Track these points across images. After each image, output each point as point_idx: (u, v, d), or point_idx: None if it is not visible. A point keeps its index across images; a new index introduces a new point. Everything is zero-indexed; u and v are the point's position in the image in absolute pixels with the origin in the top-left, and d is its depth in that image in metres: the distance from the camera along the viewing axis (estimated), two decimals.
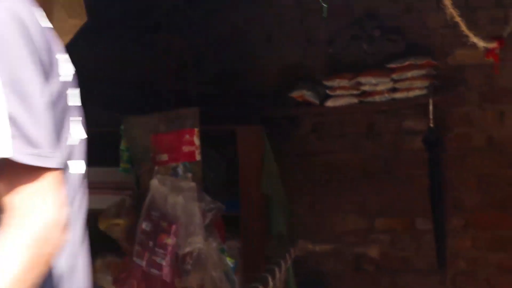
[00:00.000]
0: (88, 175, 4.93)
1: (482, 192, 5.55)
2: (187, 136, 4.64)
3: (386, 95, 5.38)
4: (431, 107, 5.46)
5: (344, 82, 5.43)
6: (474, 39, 4.23)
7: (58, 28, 2.55)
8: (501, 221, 5.52)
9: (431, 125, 5.49)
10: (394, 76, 5.34)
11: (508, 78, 5.45)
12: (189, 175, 4.60)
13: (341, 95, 5.46)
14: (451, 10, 3.82)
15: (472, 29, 4.14)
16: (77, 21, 3.30)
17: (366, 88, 5.40)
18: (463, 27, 4.10)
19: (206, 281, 4.48)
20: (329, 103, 5.46)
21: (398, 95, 5.38)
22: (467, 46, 4.52)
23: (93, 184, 4.96)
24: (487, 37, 4.62)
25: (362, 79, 5.37)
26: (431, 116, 5.47)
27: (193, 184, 4.52)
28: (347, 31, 5.65)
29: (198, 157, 4.65)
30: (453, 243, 5.54)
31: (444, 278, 5.60)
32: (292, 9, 5.83)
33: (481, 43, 4.38)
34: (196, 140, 4.65)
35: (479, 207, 5.55)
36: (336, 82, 5.44)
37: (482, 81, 5.51)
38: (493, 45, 4.87)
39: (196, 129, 4.67)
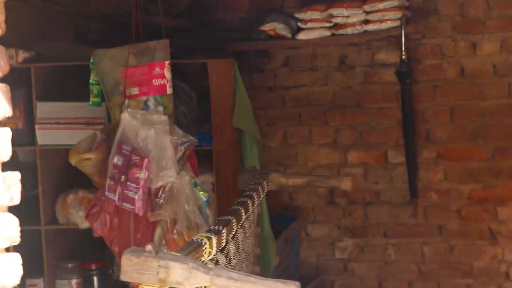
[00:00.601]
0: (59, 110, 4.67)
1: (453, 124, 5.64)
2: (157, 69, 4.53)
3: (358, 27, 5.34)
4: (403, 39, 5.48)
5: (316, 14, 5.39)
6: None
7: None
8: (472, 153, 5.62)
9: (403, 57, 5.51)
10: (366, 7, 5.31)
11: (481, 8, 5.46)
12: (161, 108, 4.52)
13: (313, 28, 5.43)
14: None
15: None
16: None
17: (338, 20, 5.35)
18: None
19: (179, 215, 4.42)
20: (301, 36, 5.44)
21: (370, 27, 5.35)
22: None
23: (63, 119, 4.88)
24: None
25: (334, 11, 5.31)
26: (403, 48, 5.50)
27: (164, 117, 4.46)
28: None
29: (169, 90, 4.56)
30: (425, 175, 5.64)
31: (416, 210, 5.70)
32: None
33: None
34: (167, 73, 4.56)
35: (451, 139, 5.63)
36: (308, 15, 5.42)
37: (454, 11, 5.50)
38: None
39: (166, 62, 4.58)
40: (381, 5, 5.34)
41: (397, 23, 5.36)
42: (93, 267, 5.24)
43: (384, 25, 5.36)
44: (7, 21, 2.19)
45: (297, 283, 2.96)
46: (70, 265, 5.21)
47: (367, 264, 5.90)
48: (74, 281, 5.19)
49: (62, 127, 5.10)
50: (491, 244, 5.65)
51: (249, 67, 5.81)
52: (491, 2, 5.64)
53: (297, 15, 5.47)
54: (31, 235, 5.01)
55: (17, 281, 2.19)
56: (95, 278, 5.29)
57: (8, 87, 2.25)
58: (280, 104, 5.92)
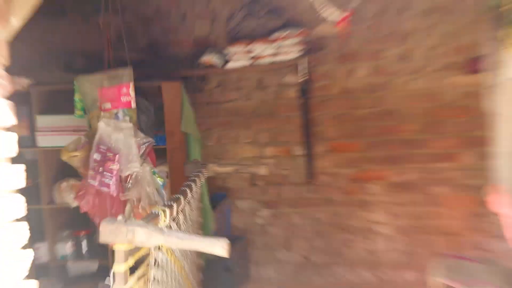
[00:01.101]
0: (53, 121, 4.80)
1: (338, 127, 5.73)
2: (124, 89, 4.67)
3: (270, 58, 5.43)
4: (303, 66, 5.59)
5: (239, 49, 5.47)
6: (329, 13, 4.46)
7: (17, 8, 2.60)
8: (350, 147, 5.75)
9: (304, 78, 5.63)
10: (276, 44, 5.39)
11: (355, 43, 5.57)
12: (127, 118, 4.66)
13: (237, 59, 5.52)
14: None
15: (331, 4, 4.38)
16: (31, 1, 3.08)
17: (255, 53, 5.43)
18: (322, 4, 4.29)
19: (142, 195, 4.57)
20: (229, 65, 5.52)
21: (279, 58, 5.42)
22: (327, 22, 4.85)
23: (57, 127, 5.19)
24: (340, 9, 4.74)
25: (253, 47, 5.41)
26: (303, 72, 5.62)
27: (130, 124, 4.57)
28: (241, 11, 5.66)
29: (133, 105, 4.67)
30: (319, 163, 5.77)
31: (312, 188, 5.84)
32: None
33: (335, 15, 4.57)
34: (131, 92, 4.66)
35: (336, 137, 5.74)
36: (233, 49, 5.47)
37: (337, 47, 5.61)
38: (344, 15, 4.79)
39: (130, 83, 4.68)
40: (286, 43, 5.41)
41: (298, 54, 5.46)
42: (82, 233, 5.37)
43: (289, 56, 5.44)
44: (11, 56, 2.38)
45: (227, 240, 2.98)
46: (65, 233, 5.36)
47: (278, 227, 6.01)
48: (68, 244, 5.35)
49: (56, 133, 5.20)
50: (363, 210, 5.81)
51: (192, 88, 5.83)
52: (361, 40, 5.64)
53: (226, 50, 5.52)
54: (36, 213, 5.22)
55: (25, 241, 2.36)
56: (83, 242, 5.40)
57: (13, 104, 2.36)
58: (215, 114, 5.97)
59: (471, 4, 5.31)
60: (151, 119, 5.19)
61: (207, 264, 5.13)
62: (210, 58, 5.58)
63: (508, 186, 3.55)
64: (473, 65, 5.28)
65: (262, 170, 5.36)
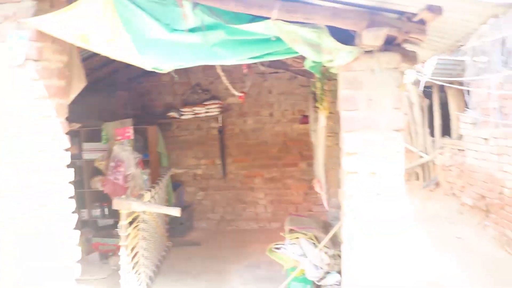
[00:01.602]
0: (91, 146, 5.08)
1: (238, 149, 6.41)
2: (127, 130, 5.04)
3: (204, 114, 6.19)
4: (220, 118, 6.32)
5: (188, 109, 6.19)
6: (233, 91, 4.61)
7: (73, 88, 2.94)
8: (244, 160, 6.42)
9: (220, 124, 6.33)
10: (206, 107, 6.19)
11: (247, 107, 6.25)
12: (129, 144, 5.04)
13: (187, 114, 6.23)
14: (224, 80, 4.27)
15: (233, 87, 4.46)
16: (81, 84, 3.05)
17: (196, 111, 6.18)
18: (229, 87, 4.42)
19: (136, 185, 4.96)
20: (182, 117, 6.20)
21: (208, 114, 6.20)
22: (233, 96, 5.34)
23: (92, 149, 5.18)
24: (238, 90, 5.04)
25: (195, 109, 6.17)
26: (220, 121, 6.34)
27: (130, 147, 5.01)
28: (189, 90, 6.35)
29: (132, 137, 5.03)
30: (228, 168, 6.44)
31: (226, 181, 6.47)
32: (168, 82, 6.31)
33: (236, 93, 4.78)
34: (131, 131, 5.03)
35: (237, 155, 6.42)
36: (185, 109, 6.18)
37: (238, 108, 6.32)
38: (241, 94, 5.20)
39: (131, 127, 5.03)
40: (212, 106, 6.17)
41: (218, 112, 6.19)
42: (105, 204, 5.42)
43: (213, 113, 6.18)
44: (69, 111, 2.74)
45: (179, 208, 3.72)
46: (97, 204, 5.48)
47: (208, 201, 6.52)
48: (98, 210, 5.49)
49: (92, 152, 5.30)
50: (252, 191, 6.44)
51: (164, 129, 6.25)
52: (250, 106, 6.11)
53: (181, 109, 6.19)
54: (80, 194, 5.18)
55: (73, 209, 2.78)
56: (105, 209, 5.47)
57: (70, 136, 2.80)
58: (175, 142, 6.39)
59: (303, 89, 6.07)
60: (141, 144, 5.48)
61: (170, 220, 5.45)
62: (173, 114, 6.25)
63: (321, 179, 4.10)
64: (304, 119, 5.96)
65: (199, 171, 6.40)
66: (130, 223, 3.72)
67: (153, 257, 4.58)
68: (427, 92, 8.37)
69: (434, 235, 6.01)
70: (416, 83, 8.42)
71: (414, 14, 2.30)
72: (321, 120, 3.76)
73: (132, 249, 3.74)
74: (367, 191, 2.62)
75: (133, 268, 3.75)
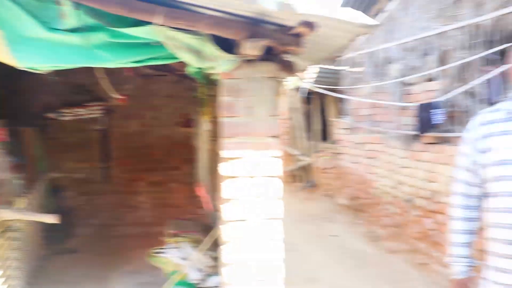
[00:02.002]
0: None
1: (122, 152, 6.30)
2: (1, 131, 4.47)
3: (85, 115, 6.09)
4: (104, 120, 6.10)
5: (68, 110, 6.06)
6: (113, 94, 3.98)
7: None
8: (129, 162, 6.33)
9: (103, 126, 6.12)
10: (88, 109, 6.09)
11: (131, 109, 6.00)
12: (2, 147, 4.40)
13: (66, 115, 6.11)
14: (104, 83, 3.60)
15: (117, 89, 3.74)
16: None
17: (77, 113, 6.07)
18: (108, 89, 3.75)
19: (7, 191, 4.15)
20: (62, 119, 6.08)
21: (91, 115, 6.10)
22: (115, 98, 4.53)
23: None
24: (122, 92, 4.54)
25: (76, 110, 6.06)
26: (103, 123, 6.09)
27: (3, 150, 4.36)
28: (70, 90, 6.10)
29: (6, 139, 4.57)
30: (112, 171, 6.29)
31: (108, 185, 6.24)
32: (47, 81, 5.52)
33: (116, 96, 4.16)
34: (5, 132, 4.58)
35: (122, 157, 6.32)
36: (65, 111, 6.07)
37: (122, 110, 6.13)
38: (121, 97, 4.59)
39: (4, 128, 4.59)
40: (94, 107, 6.09)
41: (99, 114, 6.13)
42: None
43: (95, 115, 6.12)
44: None
45: (56, 215, 3.38)
46: None
47: (90, 206, 6.34)
48: None
49: None
50: (135, 195, 6.30)
51: (43, 130, 5.88)
52: (134, 109, 6.04)
53: (60, 110, 5.92)
54: None
55: None
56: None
57: None
58: (57, 145, 6.10)
59: (189, 93, 5.52)
60: (17, 148, 5.01)
61: (47, 227, 4.63)
62: (51, 114, 6.05)
63: (204, 182, 4.14)
64: (188, 123, 5.91)
65: (81, 175, 6.25)
66: (1, 233, 3.59)
67: (28, 268, 4.45)
68: (309, 99, 8.77)
69: (312, 233, 6.46)
70: (301, 90, 8.80)
71: (292, 28, 2.46)
72: (204, 124, 3.86)
73: (3, 261, 3.60)
74: (245, 194, 2.75)
75: (5, 281, 3.62)
